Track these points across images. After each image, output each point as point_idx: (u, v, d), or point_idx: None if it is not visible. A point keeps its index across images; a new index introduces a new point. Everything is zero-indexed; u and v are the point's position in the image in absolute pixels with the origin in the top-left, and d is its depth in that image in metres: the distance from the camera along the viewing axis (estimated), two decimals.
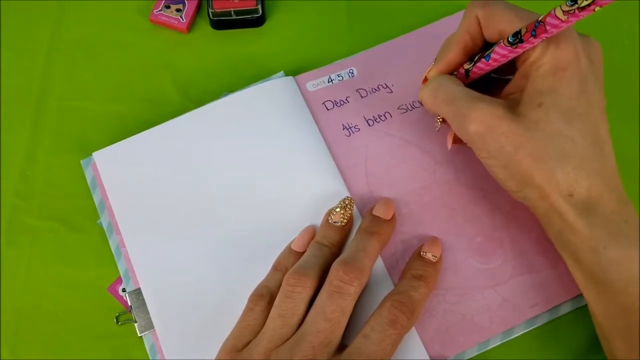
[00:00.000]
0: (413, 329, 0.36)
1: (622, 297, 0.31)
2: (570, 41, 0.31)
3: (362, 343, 0.32)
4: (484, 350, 0.36)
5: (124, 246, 0.38)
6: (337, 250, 0.37)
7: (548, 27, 0.29)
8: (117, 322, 0.38)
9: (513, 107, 0.32)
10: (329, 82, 0.43)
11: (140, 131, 0.41)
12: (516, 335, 0.36)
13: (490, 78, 0.38)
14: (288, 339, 0.33)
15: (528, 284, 0.37)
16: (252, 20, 0.46)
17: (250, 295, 0.35)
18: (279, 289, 0.34)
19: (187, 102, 0.44)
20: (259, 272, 0.37)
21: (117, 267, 0.39)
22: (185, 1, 0.46)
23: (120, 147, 0.41)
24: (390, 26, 0.45)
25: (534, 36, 0.30)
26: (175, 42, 0.46)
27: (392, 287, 0.36)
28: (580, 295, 0.37)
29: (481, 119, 0.32)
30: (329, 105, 0.42)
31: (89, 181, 0.41)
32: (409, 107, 0.42)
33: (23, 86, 0.45)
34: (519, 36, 0.31)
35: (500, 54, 0.33)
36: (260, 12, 0.45)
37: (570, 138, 0.31)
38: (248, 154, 0.40)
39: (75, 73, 0.45)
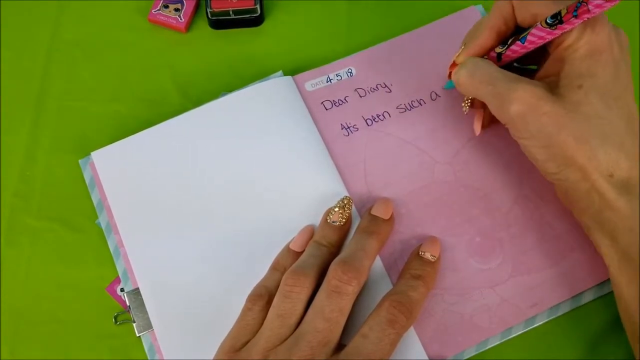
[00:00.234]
0: (412, 329, 0.36)
1: None
2: (604, 27, 0.32)
3: (360, 343, 0.32)
4: (482, 350, 0.36)
5: (123, 246, 0.38)
6: (335, 249, 0.37)
7: (591, 7, 0.30)
8: (116, 322, 0.38)
9: (551, 89, 0.33)
10: (327, 82, 0.43)
11: (140, 131, 0.41)
12: (515, 335, 0.36)
13: (513, 69, 0.38)
14: (286, 338, 0.33)
15: (527, 284, 0.37)
16: (251, 20, 0.45)
17: (249, 295, 0.35)
18: (277, 289, 0.34)
19: (185, 101, 0.44)
20: (258, 272, 0.37)
21: (115, 267, 0.39)
22: (184, 1, 0.46)
23: (118, 147, 0.41)
24: (389, 26, 0.45)
25: (576, 17, 0.30)
26: (174, 42, 0.46)
27: (390, 286, 0.36)
28: (579, 295, 0.37)
29: (523, 99, 0.32)
30: (328, 104, 0.42)
31: (87, 181, 0.41)
32: (408, 106, 0.42)
33: (23, 86, 0.45)
34: (559, 17, 0.31)
35: (537, 36, 0.33)
36: (259, 11, 0.45)
37: (609, 120, 0.32)
38: (246, 154, 0.40)
39: (75, 73, 0.45)
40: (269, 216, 0.39)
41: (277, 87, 0.42)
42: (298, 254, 0.37)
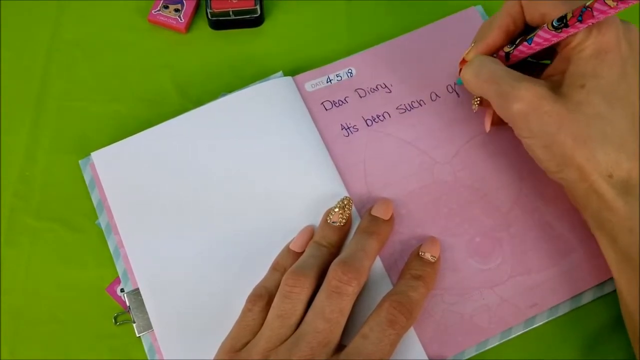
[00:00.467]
0: (412, 329, 0.36)
1: None
2: (612, 26, 0.32)
3: (360, 343, 0.32)
4: (482, 350, 0.36)
5: (123, 246, 0.38)
6: (335, 250, 0.37)
7: (595, 13, 0.30)
8: (116, 322, 0.38)
9: (555, 88, 0.33)
10: (327, 82, 0.43)
11: (140, 131, 0.41)
12: (515, 335, 0.36)
13: (527, 63, 0.38)
14: (287, 339, 0.33)
15: (527, 284, 0.37)
16: (251, 21, 0.45)
17: (249, 296, 0.35)
18: (277, 289, 0.34)
19: (185, 102, 0.44)
20: (258, 272, 0.37)
21: (115, 268, 0.39)
22: (184, 1, 0.46)
23: (118, 147, 0.41)
24: (389, 26, 0.45)
25: (580, 21, 0.30)
26: (174, 42, 0.46)
27: (390, 287, 0.36)
28: (579, 296, 0.37)
29: (525, 98, 0.32)
30: (328, 105, 0.42)
31: (87, 181, 0.41)
32: (408, 107, 0.42)
33: (23, 86, 0.45)
34: (564, 21, 0.31)
35: (543, 38, 0.33)
36: (259, 12, 0.45)
37: (610, 120, 0.32)
38: (246, 154, 0.40)
39: (75, 73, 0.45)
40: (269, 216, 0.39)
41: (277, 87, 0.42)
42: (298, 255, 0.37)
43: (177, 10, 0.46)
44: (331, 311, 0.32)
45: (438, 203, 0.39)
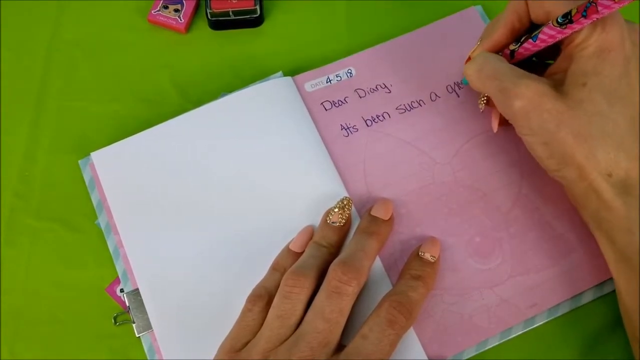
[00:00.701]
0: (411, 329, 0.36)
1: None
2: (616, 24, 0.32)
3: (360, 343, 0.32)
4: (482, 350, 0.36)
5: (122, 246, 0.38)
6: (335, 250, 0.37)
7: (600, 8, 0.30)
8: (115, 322, 0.38)
9: (557, 86, 0.33)
10: (327, 82, 0.43)
11: (139, 131, 0.41)
12: (514, 335, 0.36)
13: (531, 63, 0.38)
14: (286, 339, 0.33)
15: (526, 284, 0.37)
16: (251, 21, 0.45)
17: (249, 296, 0.35)
18: (277, 290, 0.34)
19: (185, 102, 0.44)
20: (258, 273, 0.37)
21: (115, 268, 0.39)
22: (184, 1, 0.46)
23: (118, 147, 0.41)
24: (389, 26, 0.45)
25: (585, 17, 0.30)
26: (173, 42, 0.46)
27: (390, 287, 0.36)
28: (579, 296, 0.37)
29: (526, 95, 0.32)
30: (327, 105, 0.42)
31: (87, 181, 0.41)
32: (408, 107, 0.42)
33: (23, 86, 0.45)
34: (569, 17, 0.31)
35: (548, 35, 0.33)
36: (259, 12, 0.45)
37: (611, 119, 0.32)
38: (246, 154, 0.40)
39: (75, 73, 0.45)
40: (268, 216, 0.39)
41: (277, 87, 0.42)
42: (298, 255, 0.37)
43: (176, 10, 0.46)
44: (331, 311, 0.32)
45: (438, 203, 0.39)
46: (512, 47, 0.36)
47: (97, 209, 0.40)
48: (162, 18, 0.46)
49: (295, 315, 0.33)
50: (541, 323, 0.37)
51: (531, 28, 0.36)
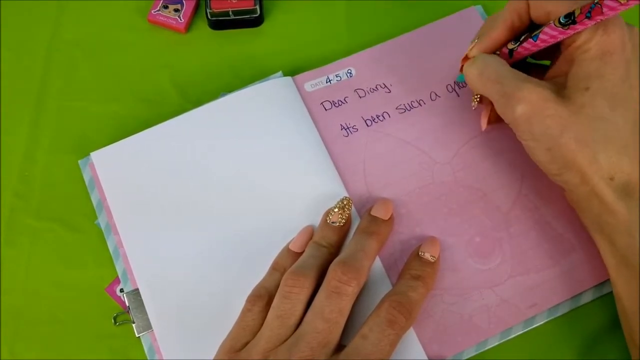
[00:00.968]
0: (411, 329, 0.36)
1: None
2: (618, 27, 0.32)
3: (360, 343, 0.32)
4: (482, 350, 0.36)
5: (122, 246, 0.38)
6: (335, 250, 0.37)
7: (605, 10, 0.29)
8: (115, 322, 0.38)
9: (558, 90, 0.33)
10: (327, 82, 0.43)
11: (139, 131, 0.41)
12: (514, 336, 0.36)
13: (526, 63, 0.38)
14: (286, 339, 0.33)
15: (526, 284, 0.37)
16: (250, 21, 0.45)
17: (249, 296, 0.35)
18: (277, 290, 0.34)
19: (185, 102, 0.44)
20: (258, 273, 0.37)
21: (115, 268, 0.39)
22: (183, 1, 0.46)
23: (118, 147, 0.41)
24: (389, 26, 0.45)
25: (589, 18, 0.30)
26: (173, 42, 0.46)
27: (390, 287, 0.36)
28: (579, 296, 0.37)
29: (528, 100, 0.32)
30: (327, 105, 0.42)
31: (86, 181, 0.41)
32: (408, 107, 0.42)
33: (23, 86, 0.45)
34: (572, 17, 0.31)
35: (549, 35, 0.33)
36: (259, 12, 0.45)
37: (613, 123, 0.32)
38: (246, 154, 0.40)
39: (75, 73, 0.45)
40: (268, 216, 0.39)
41: (276, 87, 0.42)
42: (298, 255, 0.37)
43: (176, 10, 0.46)
44: (330, 311, 0.32)
45: (438, 203, 0.39)
46: (510, 46, 0.36)
47: (97, 209, 0.40)
48: (162, 18, 0.46)
49: (295, 315, 0.33)
50: (541, 323, 0.37)
51: (530, 27, 0.35)
